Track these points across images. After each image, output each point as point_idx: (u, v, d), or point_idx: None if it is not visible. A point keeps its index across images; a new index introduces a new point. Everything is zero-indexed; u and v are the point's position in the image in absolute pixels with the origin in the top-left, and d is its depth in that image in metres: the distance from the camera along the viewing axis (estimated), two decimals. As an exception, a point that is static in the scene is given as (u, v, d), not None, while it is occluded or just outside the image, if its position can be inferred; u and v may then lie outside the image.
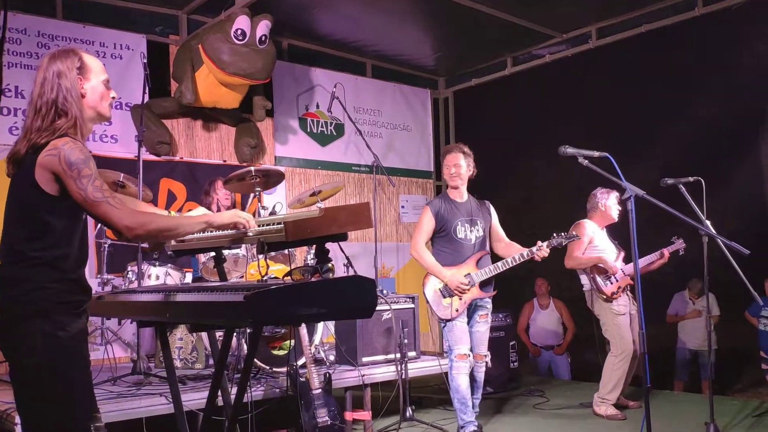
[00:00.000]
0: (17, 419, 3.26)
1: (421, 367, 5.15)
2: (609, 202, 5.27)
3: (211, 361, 4.80)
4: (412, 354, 5.07)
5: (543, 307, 7.72)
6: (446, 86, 8.68)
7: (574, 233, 4.65)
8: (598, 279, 5.15)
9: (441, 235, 4.53)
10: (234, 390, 3.07)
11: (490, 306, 4.59)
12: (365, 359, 4.93)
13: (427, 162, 8.39)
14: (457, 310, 4.40)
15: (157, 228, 2.29)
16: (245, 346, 4.43)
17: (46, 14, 5.74)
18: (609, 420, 5.03)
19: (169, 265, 5.00)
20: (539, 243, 4.37)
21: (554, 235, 4.45)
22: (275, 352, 4.68)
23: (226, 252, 4.53)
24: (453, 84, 8.60)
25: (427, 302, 4.51)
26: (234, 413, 2.72)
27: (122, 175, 4.76)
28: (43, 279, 2.18)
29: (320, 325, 4.88)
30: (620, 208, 5.23)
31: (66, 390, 2.19)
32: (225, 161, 6.61)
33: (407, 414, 4.88)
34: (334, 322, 5.31)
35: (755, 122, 8.33)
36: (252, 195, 5.42)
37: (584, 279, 5.31)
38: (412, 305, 5.23)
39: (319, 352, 5.07)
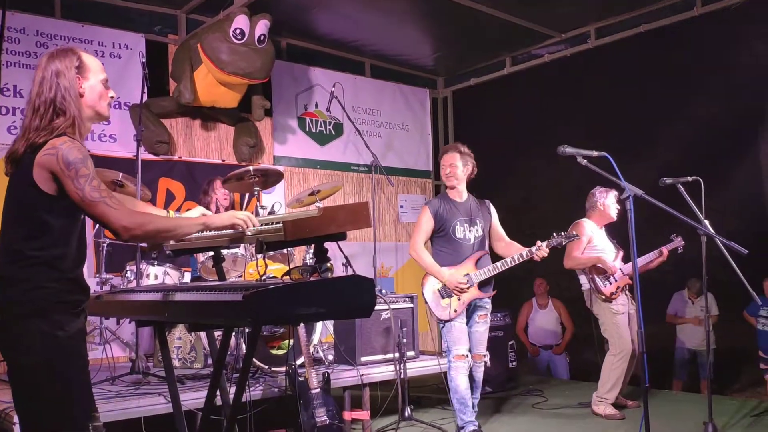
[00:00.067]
0: (15, 419, 3.25)
1: (419, 366, 5.14)
2: (608, 201, 5.26)
3: (209, 361, 4.80)
4: (410, 353, 5.07)
5: (542, 306, 7.72)
6: (445, 86, 8.68)
7: (574, 232, 4.64)
8: (597, 279, 5.15)
9: (440, 235, 4.51)
10: (233, 389, 3.07)
11: (489, 306, 4.57)
12: (364, 359, 4.93)
13: (425, 162, 8.39)
14: (455, 311, 4.39)
15: (154, 229, 2.29)
16: (244, 346, 4.43)
17: (44, 13, 5.74)
18: (608, 419, 5.03)
19: (168, 264, 5.00)
20: (539, 243, 4.35)
21: (554, 234, 4.43)
22: (274, 352, 4.67)
23: (224, 251, 4.53)
24: (452, 84, 8.61)
25: (426, 303, 4.49)
26: (232, 413, 2.72)
27: (121, 174, 4.75)
28: (42, 278, 2.18)
29: (319, 325, 4.88)
30: (619, 207, 5.23)
31: (64, 389, 2.19)
32: (224, 161, 6.61)
33: (406, 413, 4.88)
34: (332, 321, 5.32)
35: (754, 122, 8.34)
36: (249, 195, 5.42)
37: (583, 279, 5.31)
38: (411, 305, 5.23)
39: (317, 352, 5.07)
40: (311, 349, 4.53)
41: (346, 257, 5.16)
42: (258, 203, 5.10)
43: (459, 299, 4.38)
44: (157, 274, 4.92)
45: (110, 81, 2.44)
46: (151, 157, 6.06)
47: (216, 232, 2.77)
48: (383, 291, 5.39)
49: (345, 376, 4.71)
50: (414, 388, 5.66)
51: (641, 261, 5.14)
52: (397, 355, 4.85)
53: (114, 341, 5.33)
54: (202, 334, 4.66)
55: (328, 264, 2.60)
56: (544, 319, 7.66)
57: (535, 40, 7.41)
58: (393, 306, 5.05)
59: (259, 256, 2.60)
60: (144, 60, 5.39)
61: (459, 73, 8.43)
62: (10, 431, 3.38)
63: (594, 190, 5.34)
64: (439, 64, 8.25)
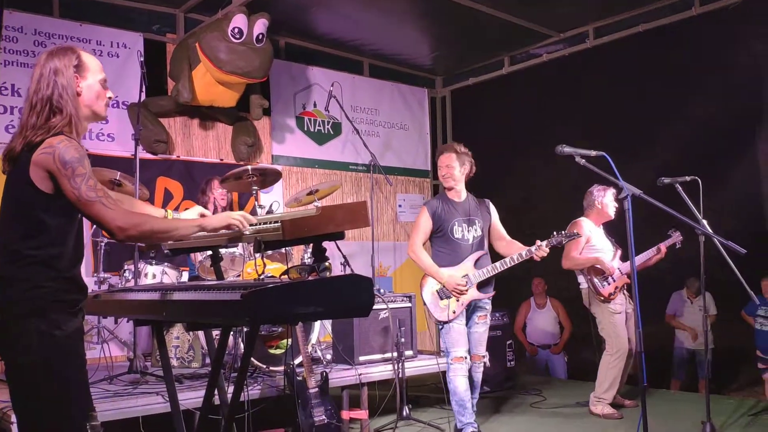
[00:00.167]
0: (13, 418, 3.25)
1: (418, 366, 5.14)
2: (606, 200, 5.26)
3: (207, 360, 4.79)
4: (409, 353, 5.07)
5: (540, 306, 7.73)
6: (443, 85, 8.68)
7: (575, 231, 4.63)
8: (595, 280, 5.14)
9: (438, 236, 4.49)
10: (231, 389, 3.07)
11: (489, 307, 4.55)
12: (362, 358, 4.93)
13: (424, 161, 8.39)
14: (454, 312, 4.36)
15: (149, 229, 2.28)
16: (242, 345, 4.43)
17: (42, 12, 5.73)
18: (605, 419, 5.03)
19: (166, 263, 5.00)
20: (538, 242, 4.31)
21: (554, 233, 4.39)
22: (272, 351, 4.67)
23: (222, 251, 4.52)
24: (450, 83, 8.61)
25: (425, 304, 4.46)
26: (231, 412, 2.72)
27: (119, 173, 4.75)
28: (39, 278, 2.17)
29: (317, 324, 4.88)
30: (617, 206, 5.23)
31: (62, 389, 2.19)
32: (222, 160, 6.61)
33: (404, 413, 4.88)
34: (331, 321, 5.32)
35: (752, 122, 8.36)
36: (247, 194, 5.41)
37: (581, 278, 5.31)
38: (409, 304, 5.23)
39: (315, 351, 5.07)
40: (309, 349, 4.52)
41: (344, 256, 5.16)
42: (256, 202, 5.11)
43: (458, 300, 4.36)
44: (155, 273, 4.92)
45: (108, 80, 2.44)
46: (149, 156, 6.05)
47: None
48: (381, 290, 5.39)
49: (343, 376, 4.70)
50: (412, 388, 5.66)
51: (639, 259, 5.14)
52: (395, 354, 4.84)
53: (112, 340, 5.33)
54: (200, 334, 4.66)
55: (327, 263, 2.60)
56: (542, 319, 7.66)
57: (533, 40, 7.41)
58: (391, 305, 5.04)
59: (258, 255, 2.59)
60: (142, 59, 5.38)
61: (457, 73, 8.43)
62: (8, 431, 3.38)
63: (592, 189, 5.34)
64: (438, 64, 8.25)
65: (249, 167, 4.94)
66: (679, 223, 3.76)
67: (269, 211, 4.77)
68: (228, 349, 4.21)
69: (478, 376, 4.58)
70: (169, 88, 6.27)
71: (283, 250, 4.85)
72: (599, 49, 7.08)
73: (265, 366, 4.54)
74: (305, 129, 7.34)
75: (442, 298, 4.39)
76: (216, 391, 3.24)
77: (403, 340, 4.87)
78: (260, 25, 5.73)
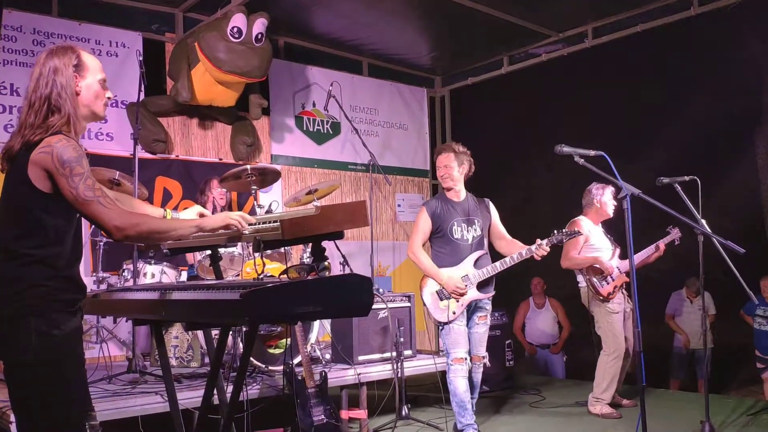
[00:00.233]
0: (12, 418, 3.24)
1: (417, 365, 5.14)
2: (604, 198, 5.26)
3: (206, 360, 4.79)
4: (408, 352, 5.06)
5: (539, 306, 7.73)
6: (443, 85, 8.69)
7: (575, 229, 4.63)
8: (594, 280, 5.14)
9: (438, 236, 4.46)
10: (230, 388, 3.07)
11: (489, 307, 4.53)
12: (361, 358, 4.93)
13: (423, 161, 8.39)
14: (454, 313, 4.34)
15: (147, 230, 2.28)
16: (241, 345, 4.43)
17: (41, 11, 5.73)
18: (604, 419, 5.04)
19: (165, 263, 5.00)
20: (538, 240, 4.28)
21: (555, 232, 4.36)
22: (271, 351, 4.67)
23: (222, 250, 4.52)
24: (449, 83, 8.61)
25: (425, 305, 4.45)
26: (230, 412, 2.71)
27: (118, 173, 4.75)
28: (37, 277, 2.17)
29: (316, 324, 4.88)
30: (615, 204, 5.22)
31: (61, 388, 2.18)
32: (221, 159, 6.60)
33: (403, 412, 4.88)
34: (330, 320, 5.31)
35: (751, 121, 8.36)
36: (246, 193, 5.41)
37: (580, 277, 5.31)
38: (408, 304, 5.23)
39: (315, 351, 5.07)
40: (308, 348, 4.52)
41: (343, 256, 5.15)
42: (255, 202, 5.10)
43: (458, 301, 4.35)
44: (154, 272, 4.92)
45: (107, 79, 2.44)
46: (148, 155, 6.05)
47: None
48: (381, 290, 5.39)
49: (342, 375, 4.70)
50: (411, 387, 5.66)
51: (638, 257, 5.13)
52: (394, 354, 4.84)
53: (111, 340, 5.33)
54: (199, 333, 4.65)
55: (326, 263, 2.60)
56: (541, 319, 7.66)
57: (532, 40, 7.42)
58: (390, 305, 5.04)
59: (257, 254, 2.59)
60: (141, 58, 5.37)
61: (456, 73, 8.43)
62: (7, 430, 3.37)
63: (590, 187, 5.33)
64: (437, 64, 8.26)
65: (248, 167, 4.94)
66: (678, 223, 3.76)
67: (268, 211, 4.76)
68: (227, 349, 4.21)
69: (478, 377, 4.57)
70: (168, 88, 6.27)
71: (282, 249, 4.84)
72: (598, 48, 7.09)
73: (264, 366, 4.54)
74: (304, 129, 7.33)
75: (441, 299, 4.37)
76: (215, 391, 3.24)
77: (402, 339, 4.86)
78: (259, 25, 5.73)
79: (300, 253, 5.39)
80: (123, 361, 5.22)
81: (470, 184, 4.63)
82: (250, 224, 2.60)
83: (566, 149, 3.31)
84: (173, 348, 4.93)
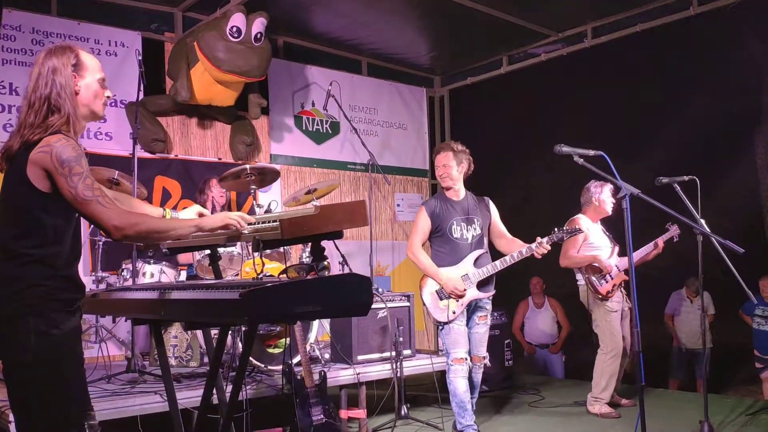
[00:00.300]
0: (12, 417, 3.24)
1: (416, 365, 5.14)
2: (603, 196, 5.25)
3: (206, 359, 4.79)
4: (407, 352, 5.06)
5: (538, 305, 7.73)
6: (442, 85, 8.69)
7: (576, 226, 4.62)
8: (593, 278, 5.14)
9: (437, 235, 4.45)
10: (229, 388, 3.07)
11: (489, 307, 4.51)
12: (360, 357, 4.93)
13: (422, 160, 8.39)
14: (454, 312, 4.32)
15: (146, 229, 2.28)
16: (240, 344, 4.42)
17: (40, 11, 5.72)
18: (603, 418, 5.04)
19: (164, 262, 5.00)
20: (539, 239, 4.26)
21: (555, 230, 4.35)
22: (270, 350, 4.67)
23: (221, 250, 4.52)
24: (449, 82, 8.61)
25: (424, 305, 4.43)
26: (229, 411, 2.71)
27: (117, 172, 4.75)
28: (36, 277, 2.17)
29: (315, 323, 4.88)
30: (614, 201, 5.22)
31: (60, 388, 2.18)
32: (220, 159, 6.60)
33: (402, 412, 4.88)
34: (329, 320, 5.31)
35: (750, 121, 8.37)
36: (245, 193, 5.41)
37: (579, 275, 5.31)
38: (408, 303, 5.23)
39: (314, 350, 5.07)
40: (308, 348, 4.52)
41: (342, 256, 5.13)
42: (254, 201, 5.10)
43: (457, 300, 4.34)
44: (153, 272, 4.91)
45: (107, 79, 2.44)
46: (148, 155, 6.05)
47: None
48: (380, 289, 5.38)
49: (341, 375, 4.70)
50: (410, 387, 5.66)
51: (637, 255, 5.12)
52: (393, 353, 4.84)
53: (110, 340, 5.32)
54: (199, 333, 4.65)
55: (325, 262, 2.60)
56: (540, 318, 7.67)
57: (532, 40, 7.42)
58: (389, 305, 5.04)
59: (256, 254, 2.59)
60: (140, 58, 5.37)
61: (456, 72, 8.43)
62: (6, 430, 3.37)
63: (589, 185, 5.33)
64: (436, 63, 8.26)
65: (247, 166, 4.94)
66: (678, 222, 3.76)
67: (267, 211, 4.76)
68: (226, 348, 4.20)
69: (478, 378, 4.55)
70: (167, 87, 6.27)
71: (281, 249, 4.84)
72: (597, 48, 7.09)
73: (263, 365, 4.54)
74: (304, 128, 7.33)
75: (441, 299, 4.36)
76: (214, 391, 3.24)
77: (401, 339, 4.86)
78: (259, 24, 5.73)
79: (299, 253, 5.39)
80: (122, 360, 5.21)
81: (470, 183, 4.61)
82: (249, 224, 2.60)
83: (565, 149, 3.31)
84: (172, 347, 4.93)
